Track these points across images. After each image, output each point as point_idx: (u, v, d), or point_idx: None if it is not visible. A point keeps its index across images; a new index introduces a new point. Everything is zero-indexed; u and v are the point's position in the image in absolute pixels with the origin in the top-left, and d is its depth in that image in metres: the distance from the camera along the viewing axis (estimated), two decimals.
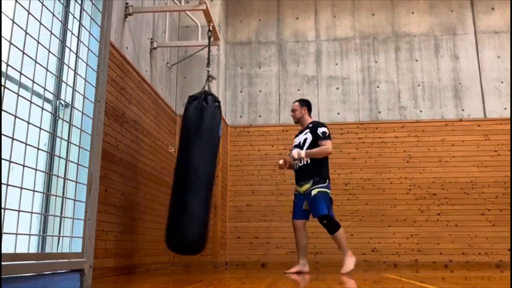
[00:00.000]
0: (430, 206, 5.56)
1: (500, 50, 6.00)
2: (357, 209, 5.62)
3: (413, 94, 6.00)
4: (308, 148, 4.03)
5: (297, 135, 4.28)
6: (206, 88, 3.81)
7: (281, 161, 4.20)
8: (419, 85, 6.02)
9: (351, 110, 6.01)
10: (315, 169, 3.99)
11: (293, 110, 4.28)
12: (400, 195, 5.63)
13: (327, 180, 4.00)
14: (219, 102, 3.70)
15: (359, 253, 5.47)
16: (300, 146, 4.10)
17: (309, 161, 4.01)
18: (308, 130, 4.12)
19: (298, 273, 3.92)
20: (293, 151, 4.06)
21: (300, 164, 4.06)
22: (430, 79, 6.03)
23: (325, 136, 4.00)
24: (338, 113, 6.01)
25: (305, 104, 4.29)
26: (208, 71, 3.98)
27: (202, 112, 3.53)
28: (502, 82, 5.90)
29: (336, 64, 6.20)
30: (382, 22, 6.29)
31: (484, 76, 5.95)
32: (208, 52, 4.09)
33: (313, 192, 3.91)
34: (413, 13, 6.28)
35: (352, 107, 6.02)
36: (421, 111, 5.93)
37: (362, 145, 5.83)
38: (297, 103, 4.30)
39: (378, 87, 6.06)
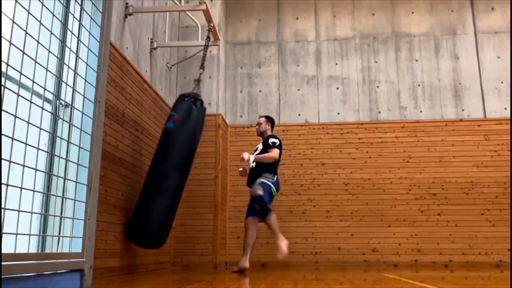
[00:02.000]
0: (430, 206, 5.56)
1: (500, 50, 6.00)
2: (357, 209, 5.62)
3: (413, 94, 6.00)
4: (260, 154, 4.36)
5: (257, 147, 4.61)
6: (196, 91, 4.05)
7: (241, 169, 4.56)
8: (419, 85, 6.02)
9: (351, 110, 6.01)
10: (263, 171, 4.28)
11: (259, 124, 4.62)
12: (400, 195, 5.62)
13: (275, 177, 4.29)
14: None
15: (359, 253, 5.48)
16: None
17: (254, 165, 4.33)
18: (262, 141, 4.50)
19: (240, 270, 4.09)
20: (243, 153, 4.34)
21: (250, 168, 4.39)
22: (430, 79, 6.03)
23: (274, 145, 4.34)
24: (338, 113, 6.01)
25: (270, 120, 4.65)
26: (201, 74, 4.17)
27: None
28: (502, 82, 5.90)
29: (336, 64, 6.20)
30: (382, 22, 6.29)
31: (484, 76, 5.95)
32: (203, 55, 4.19)
33: (258, 180, 4.21)
34: (413, 13, 6.28)
35: (352, 107, 6.02)
36: (421, 111, 5.93)
37: (362, 145, 5.83)
38: (263, 119, 4.65)
39: (378, 87, 6.06)
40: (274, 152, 4.30)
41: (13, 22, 1.47)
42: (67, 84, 1.99)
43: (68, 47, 1.98)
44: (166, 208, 3.64)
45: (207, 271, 4.20)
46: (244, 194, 5.72)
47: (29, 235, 1.63)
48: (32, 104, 1.60)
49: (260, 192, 4.10)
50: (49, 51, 1.75)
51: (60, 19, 2.05)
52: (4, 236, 1.40)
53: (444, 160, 5.68)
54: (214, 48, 5.40)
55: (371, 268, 4.91)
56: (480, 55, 6.02)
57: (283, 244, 4.03)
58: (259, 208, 4.09)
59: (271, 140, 4.38)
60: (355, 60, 6.19)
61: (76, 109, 2.00)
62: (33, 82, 1.61)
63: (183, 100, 3.86)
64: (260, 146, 4.51)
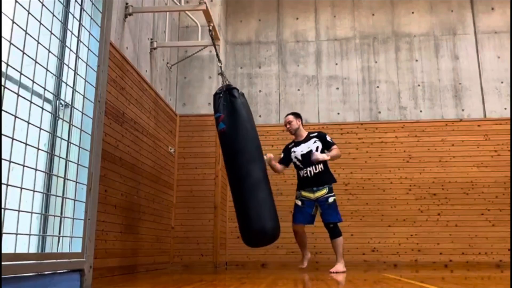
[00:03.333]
0: (430, 206, 5.56)
1: (500, 50, 6.00)
2: (357, 209, 5.62)
3: (413, 94, 6.00)
4: None
5: (294, 145, 4.44)
6: (226, 83, 3.97)
7: (271, 155, 4.36)
8: (419, 85, 6.02)
9: (351, 110, 6.01)
10: (328, 176, 4.31)
11: (289, 122, 4.47)
12: (400, 195, 5.63)
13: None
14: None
15: (359, 253, 5.48)
16: (309, 155, 4.29)
17: (322, 168, 4.27)
18: (315, 139, 4.37)
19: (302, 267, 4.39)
20: (316, 153, 4.24)
21: (315, 171, 4.26)
22: (430, 79, 6.03)
23: (334, 142, 4.39)
24: (338, 113, 6.01)
25: (299, 116, 4.54)
26: (220, 67, 4.14)
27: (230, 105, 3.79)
28: (502, 82, 5.90)
29: (336, 64, 6.20)
30: (382, 22, 6.29)
31: (484, 76, 5.95)
32: (216, 51, 4.23)
33: (330, 200, 4.22)
34: (413, 13, 6.28)
35: (352, 107, 6.02)
36: (421, 111, 5.93)
37: (362, 145, 5.83)
38: (291, 116, 4.50)
39: (378, 87, 6.06)
40: (338, 150, 4.35)
41: (13, 22, 1.47)
42: (67, 84, 2.00)
43: (68, 47, 1.98)
44: (266, 200, 3.65)
45: (207, 271, 4.20)
46: None
47: (29, 235, 1.64)
48: (32, 104, 1.60)
49: (340, 219, 4.23)
50: (49, 51, 1.75)
51: (60, 19, 2.05)
52: (4, 236, 1.40)
53: (444, 160, 5.68)
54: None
55: (371, 268, 4.91)
56: (480, 55, 6.03)
57: (341, 267, 4.10)
58: (333, 228, 4.21)
59: (329, 138, 4.39)
60: (355, 60, 6.19)
61: (76, 109, 1.99)
62: (33, 82, 1.61)
63: (219, 97, 3.80)
64: (312, 145, 4.31)
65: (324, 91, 6.11)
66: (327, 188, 4.23)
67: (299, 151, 4.36)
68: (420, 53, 6.13)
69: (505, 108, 5.79)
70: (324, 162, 4.27)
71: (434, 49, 6.13)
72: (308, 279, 3.22)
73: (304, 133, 4.46)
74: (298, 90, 6.15)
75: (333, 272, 3.93)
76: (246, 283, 2.73)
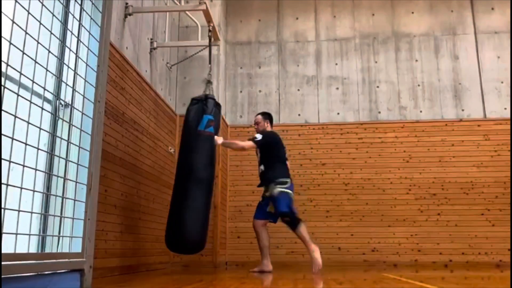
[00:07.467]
0: (430, 206, 5.56)
1: (500, 50, 6.00)
2: (357, 209, 5.62)
3: (413, 94, 6.00)
4: (261, 157, 4.19)
5: None
6: (207, 92, 3.92)
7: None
8: (419, 85, 6.03)
9: (351, 110, 6.01)
10: (271, 174, 4.10)
11: (257, 123, 4.38)
12: (400, 195, 5.63)
13: (288, 182, 4.10)
14: (201, 100, 3.80)
15: (359, 253, 5.48)
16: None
17: (263, 168, 4.15)
18: None
19: (261, 272, 4.00)
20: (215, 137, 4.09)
21: (259, 172, 4.20)
22: (430, 79, 6.03)
23: (252, 139, 4.16)
24: (338, 113, 6.01)
25: (268, 117, 4.42)
26: (210, 74, 4.04)
27: (187, 116, 3.81)
28: (502, 82, 5.90)
29: (336, 64, 6.20)
30: (382, 22, 6.29)
31: (484, 76, 5.95)
32: (210, 55, 4.12)
33: (275, 192, 4.03)
34: (413, 13, 6.28)
35: (352, 107, 6.02)
36: (421, 111, 5.93)
37: (362, 145, 5.83)
38: (260, 116, 4.41)
39: (378, 87, 6.06)
40: (245, 143, 4.17)
41: (13, 22, 1.47)
42: (67, 84, 2.00)
43: (68, 47, 1.98)
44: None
45: (207, 271, 4.20)
46: (244, 194, 5.73)
47: (29, 235, 1.64)
48: (32, 104, 1.60)
49: (285, 209, 3.95)
50: (49, 51, 1.75)
51: (60, 19, 2.05)
52: (4, 236, 1.40)
53: (444, 160, 5.68)
54: (214, 48, 5.39)
55: (371, 268, 4.91)
56: (480, 55, 6.03)
57: (318, 255, 3.91)
58: (288, 220, 3.96)
59: (255, 135, 4.19)
60: (355, 60, 6.19)
61: (76, 109, 2.00)
62: (33, 82, 1.61)
63: (216, 103, 3.82)
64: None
65: (324, 91, 6.11)
66: (273, 183, 4.05)
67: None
68: (420, 53, 6.13)
69: (505, 108, 5.79)
70: (265, 162, 4.14)
71: (434, 49, 6.13)
72: (308, 279, 3.22)
73: None
74: (298, 90, 6.15)
75: (317, 271, 3.82)
76: (246, 283, 2.73)
